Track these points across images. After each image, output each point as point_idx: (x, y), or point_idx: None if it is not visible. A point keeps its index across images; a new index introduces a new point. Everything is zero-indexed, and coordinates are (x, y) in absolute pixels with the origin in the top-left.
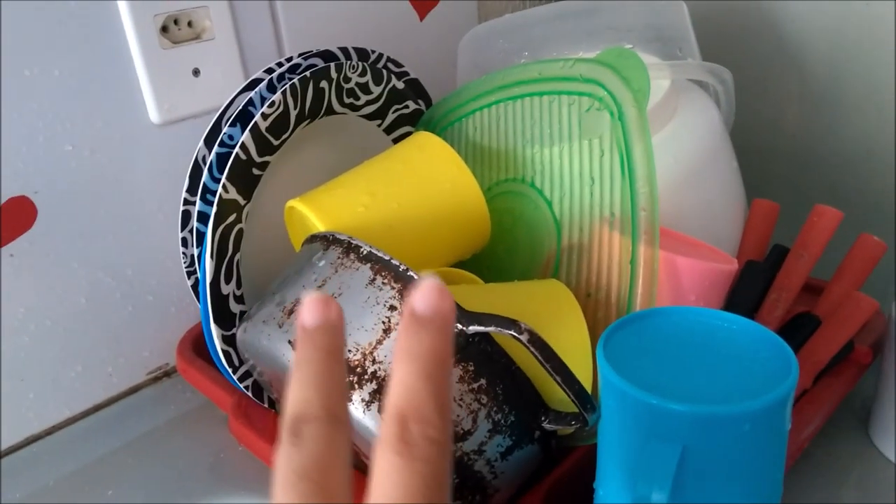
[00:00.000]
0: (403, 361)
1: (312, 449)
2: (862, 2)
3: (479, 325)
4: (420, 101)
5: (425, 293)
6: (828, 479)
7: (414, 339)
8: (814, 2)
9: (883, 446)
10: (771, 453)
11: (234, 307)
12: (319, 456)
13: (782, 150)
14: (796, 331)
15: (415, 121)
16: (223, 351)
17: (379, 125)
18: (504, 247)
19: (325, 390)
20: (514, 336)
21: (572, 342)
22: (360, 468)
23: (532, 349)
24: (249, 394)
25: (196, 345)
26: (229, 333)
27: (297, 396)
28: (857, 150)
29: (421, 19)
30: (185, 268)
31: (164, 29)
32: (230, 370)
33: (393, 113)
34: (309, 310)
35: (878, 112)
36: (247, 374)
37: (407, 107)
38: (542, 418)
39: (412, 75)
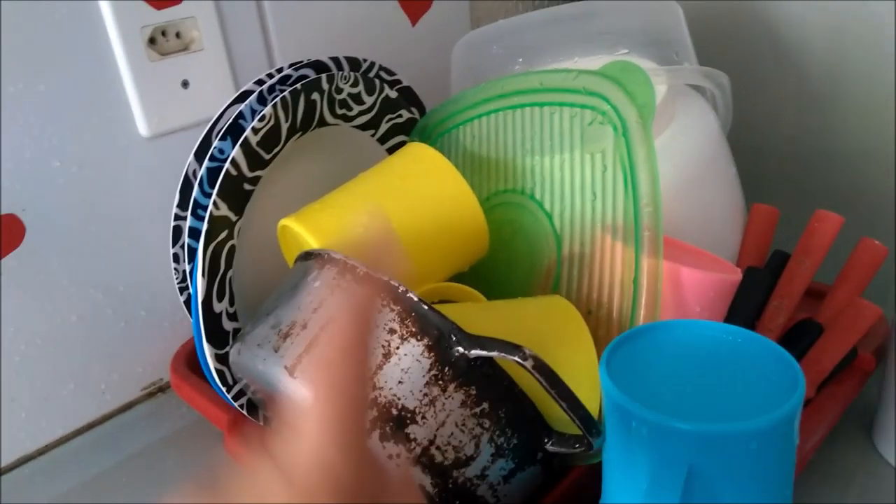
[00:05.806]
0: None
1: None
2: (860, 1)
3: (482, 349)
4: (414, 110)
5: None
6: (832, 487)
7: None
8: (811, 1)
9: (887, 453)
10: (779, 470)
11: (228, 325)
12: None
13: (780, 151)
14: (799, 339)
15: (409, 130)
16: (217, 370)
17: (372, 135)
18: (503, 258)
19: None
20: (518, 362)
21: (580, 362)
22: None
23: (537, 375)
24: (244, 412)
25: (190, 360)
26: (223, 352)
27: None
28: (857, 150)
29: (413, 25)
30: (178, 284)
31: (152, 41)
32: (224, 389)
33: (386, 122)
34: None
35: (877, 111)
36: (241, 393)
37: (401, 116)
38: (546, 440)
39: (405, 83)
